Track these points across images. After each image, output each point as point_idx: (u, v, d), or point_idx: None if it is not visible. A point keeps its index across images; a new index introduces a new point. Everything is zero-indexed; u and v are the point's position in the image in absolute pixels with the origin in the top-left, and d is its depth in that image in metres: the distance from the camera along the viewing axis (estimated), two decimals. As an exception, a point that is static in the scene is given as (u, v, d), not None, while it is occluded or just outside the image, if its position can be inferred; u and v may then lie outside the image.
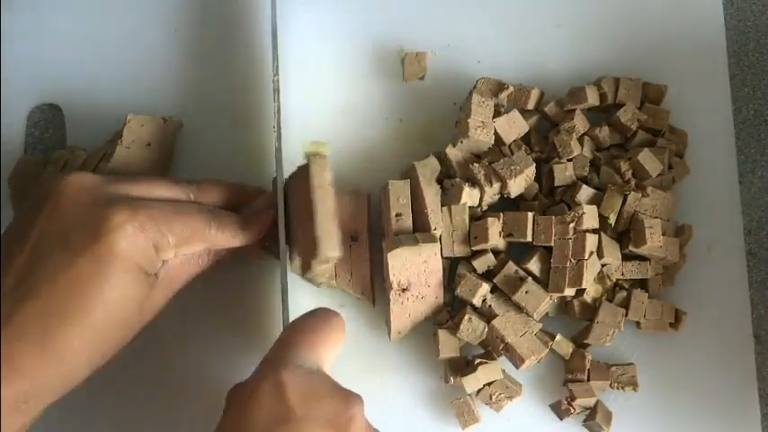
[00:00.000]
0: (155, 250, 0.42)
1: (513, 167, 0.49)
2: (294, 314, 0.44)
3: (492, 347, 0.49)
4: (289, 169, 0.48)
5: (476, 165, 0.49)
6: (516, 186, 0.50)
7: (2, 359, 0.38)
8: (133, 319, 0.42)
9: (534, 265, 0.49)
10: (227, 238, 0.45)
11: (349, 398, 0.39)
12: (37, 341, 0.39)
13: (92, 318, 0.40)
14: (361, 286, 0.51)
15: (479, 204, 0.50)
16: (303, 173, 0.45)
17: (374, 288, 0.51)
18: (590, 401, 0.49)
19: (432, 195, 0.49)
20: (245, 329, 0.51)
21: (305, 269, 0.47)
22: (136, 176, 0.46)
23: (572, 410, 0.48)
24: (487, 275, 0.49)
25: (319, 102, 0.55)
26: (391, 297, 0.48)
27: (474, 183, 0.49)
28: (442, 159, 0.51)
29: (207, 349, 0.51)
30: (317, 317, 0.42)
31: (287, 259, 0.48)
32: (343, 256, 0.50)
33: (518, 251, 0.50)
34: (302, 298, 0.51)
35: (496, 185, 0.49)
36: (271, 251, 0.49)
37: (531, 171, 0.50)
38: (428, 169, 0.50)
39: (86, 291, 0.40)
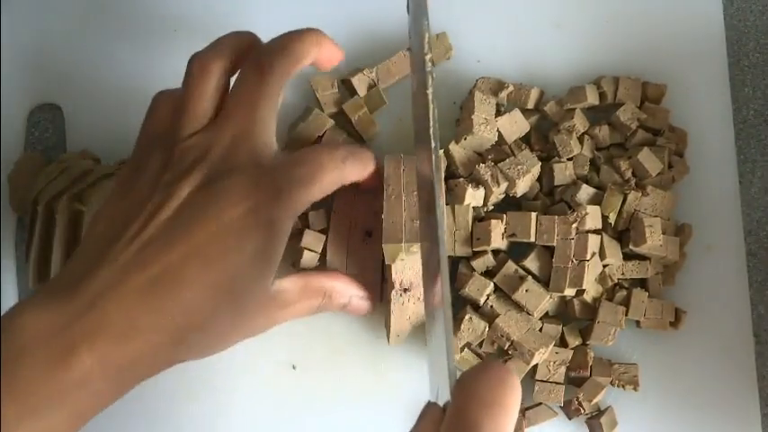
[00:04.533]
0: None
1: (519, 167, 0.49)
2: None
3: (498, 347, 0.49)
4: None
5: (482, 165, 0.49)
6: (523, 186, 0.50)
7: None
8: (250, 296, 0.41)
9: (532, 263, 0.49)
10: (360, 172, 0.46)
11: None
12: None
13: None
14: (367, 283, 0.50)
15: (485, 204, 0.50)
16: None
17: (383, 289, 0.51)
18: (600, 404, 0.50)
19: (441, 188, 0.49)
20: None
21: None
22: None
23: (582, 411, 0.49)
24: (486, 274, 0.49)
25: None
26: (392, 297, 0.48)
27: (479, 183, 0.49)
28: (446, 156, 0.51)
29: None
30: (494, 378, 0.32)
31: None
32: (356, 251, 0.51)
33: (517, 248, 0.50)
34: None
35: (503, 185, 0.49)
36: None
37: (536, 170, 0.50)
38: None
39: None
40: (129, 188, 0.42)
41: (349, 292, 0.48)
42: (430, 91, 0.42)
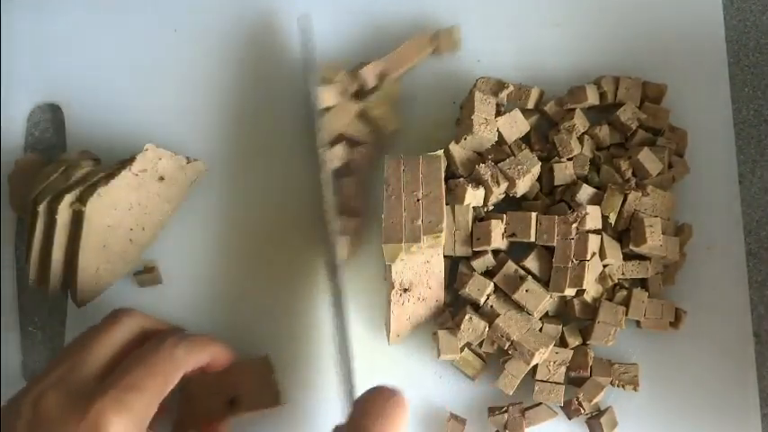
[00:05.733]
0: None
1: (519, 167, 0.49)
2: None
3: (498, 347, 0.49)
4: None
5: (482, 165, 0.49)
6: (523, 186, 0.50)
7: None
8: None
9: (532, 263, 0.49)
10: (198, 355, 0.45)
11: None
12: None
13: None
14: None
15: (485, 204, 0.50)
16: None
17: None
18: (600, 404, 0.50)
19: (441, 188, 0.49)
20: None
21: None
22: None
23: (582, 411, 0.49)
24: (486, 274, 0.50)
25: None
26: (392, 297, 0.48)
27: (479, 183, 0.49)
28: (446, 156, 0.51)
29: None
30: (383, 395, 0.40)
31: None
32: None
33: (517, 248, 0.50)
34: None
35: (503, 185, 0.49)
36: None
37: (536, 170, 0.50)
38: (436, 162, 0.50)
39: None
40: None
41: None
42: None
